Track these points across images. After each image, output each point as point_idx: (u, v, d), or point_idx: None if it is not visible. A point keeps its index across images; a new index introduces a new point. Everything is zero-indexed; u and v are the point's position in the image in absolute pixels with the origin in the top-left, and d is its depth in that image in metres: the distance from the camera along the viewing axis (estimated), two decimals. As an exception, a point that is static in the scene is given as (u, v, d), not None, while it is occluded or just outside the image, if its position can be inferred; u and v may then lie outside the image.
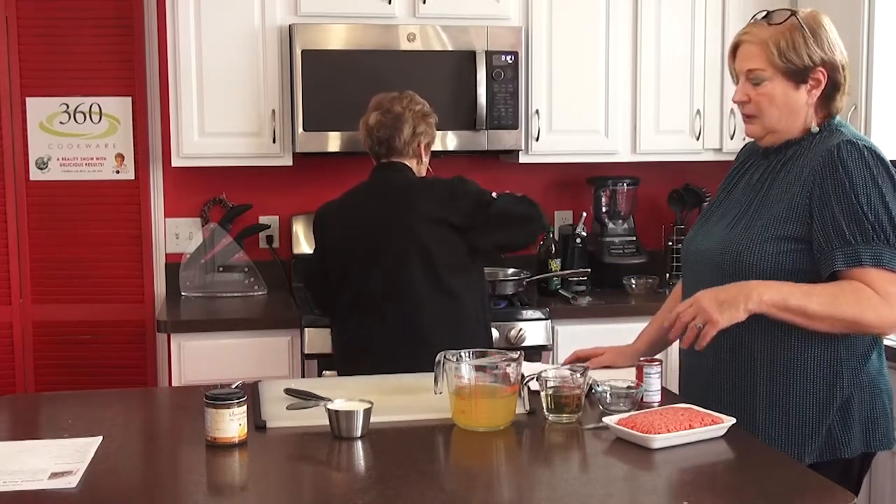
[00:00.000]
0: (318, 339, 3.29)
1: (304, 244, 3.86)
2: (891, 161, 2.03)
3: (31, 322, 3.88)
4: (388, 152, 2.88)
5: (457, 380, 1.95)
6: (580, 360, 2.35)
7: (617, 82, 3.80)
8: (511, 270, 3.74)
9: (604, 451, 1.85)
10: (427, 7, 3.62)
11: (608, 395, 2.05)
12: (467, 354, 1.99)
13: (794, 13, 2.07)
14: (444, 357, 1.98)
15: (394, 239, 2.78)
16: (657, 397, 2.12)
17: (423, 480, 1.71)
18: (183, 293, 3.82)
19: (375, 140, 2.89)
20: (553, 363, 3.26)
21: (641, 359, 2.17)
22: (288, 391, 2.18)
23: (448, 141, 3.60)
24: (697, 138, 3.88)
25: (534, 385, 2.05)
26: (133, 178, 3.89)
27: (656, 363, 2.14)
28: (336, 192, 3.00)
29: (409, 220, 2.78)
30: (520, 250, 3.04)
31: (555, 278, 3.83)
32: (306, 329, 3.33)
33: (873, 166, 1.99)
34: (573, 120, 3.78)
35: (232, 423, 1.83)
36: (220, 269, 3.84)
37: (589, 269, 3.83)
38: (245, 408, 1.86)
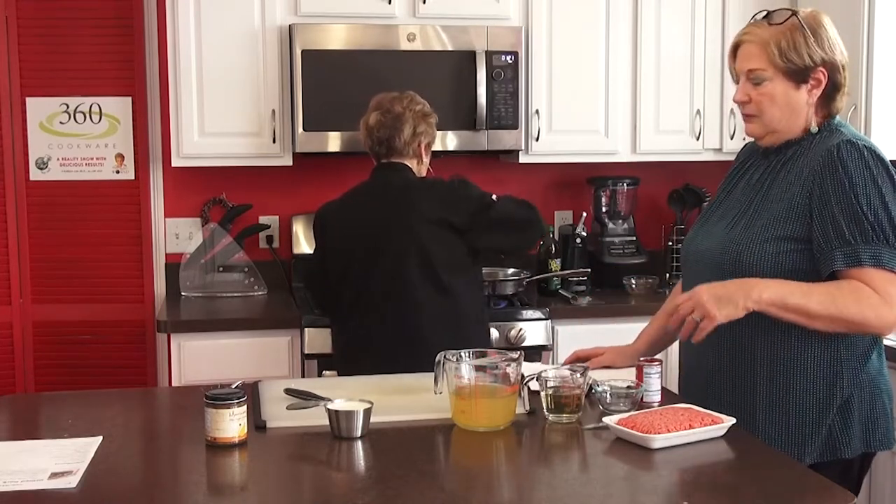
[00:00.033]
0: (318, 339, 3.29)
1: (304, 244, 3.86)
2: (891, 161, 2.03)
3: (31, 322, 3.88)
4: (389, 152, 2.88)
5: (457, 380, 1.95)
6: (580, 360, 2.35)
7: (617, 82, 3.80)
8: (511, 270, 3.73)
9: (604, 451, 1.85)
10: (427, 7, 3.62)
11: (608, 395, 2.05)
12: (467, 354, 1.99)
13: (794, 13, 2.07)
14: (444, 357, 1.98)
15: (394, 239, 2.78)
16: (657, 397, 2.12)
17: (423, 480, 1.71)
18: (183, 293, 3.82)
19: (376, 140, 2.89)
20: (553, 363, 3.26)
21: (641, 359, 2.17)
22: (288, 391, 2.18)
23: (448, 141, 3.60)
24: (697, 138, 3.87)
25: (534, 385, 2.05)
26: (133, 178, 3.89)
27: (656, 363, 2.14)
28: (336, 193, 3.00)
29: (409, 221, 2.78)
30: (517, 254, 3.03)
31: (555, 278, 3.82)
32: (306, 329, 3.33)
33: (873, 166, 1.99)
34: (573, 120, 3.78)
35: (232, 423, 1.83)
36: (220, 269, 3.84)
37: (589, 269, 3.82)
38: (245, 408, 1.86)
